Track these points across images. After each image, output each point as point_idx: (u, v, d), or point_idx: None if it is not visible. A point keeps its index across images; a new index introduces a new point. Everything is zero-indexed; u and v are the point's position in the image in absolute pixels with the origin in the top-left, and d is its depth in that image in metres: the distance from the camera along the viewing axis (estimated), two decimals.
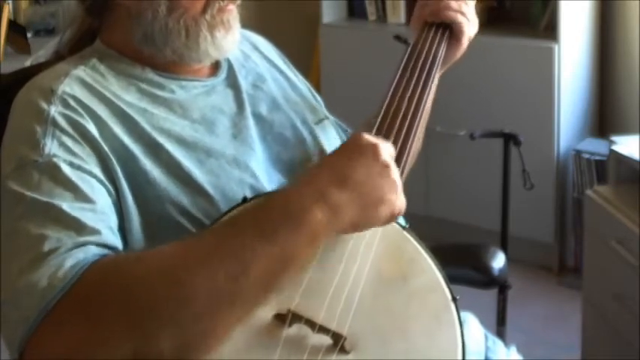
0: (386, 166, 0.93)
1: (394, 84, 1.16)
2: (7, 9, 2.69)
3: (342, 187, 0.90)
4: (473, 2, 1.30)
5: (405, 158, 1.06)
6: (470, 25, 1.27)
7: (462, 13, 1.26)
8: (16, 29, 2.75)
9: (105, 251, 0.92)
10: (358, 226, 0.93)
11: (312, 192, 0.89)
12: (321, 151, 1.20)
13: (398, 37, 1.30)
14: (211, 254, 0.86)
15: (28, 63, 2.45)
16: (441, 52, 1.24)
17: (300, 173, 0.96)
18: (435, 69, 1.20)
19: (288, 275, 0.89)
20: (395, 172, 0.94)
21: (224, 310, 0.85)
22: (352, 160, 0.92)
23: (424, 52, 1.22)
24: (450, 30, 1.27)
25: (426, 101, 1.15)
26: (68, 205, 0.94)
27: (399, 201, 0.94)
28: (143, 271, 0.86)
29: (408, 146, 1.07)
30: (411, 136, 1.08)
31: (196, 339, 0.85)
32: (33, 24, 3.01)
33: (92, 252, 0.90)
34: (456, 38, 1.28)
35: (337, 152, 0.95)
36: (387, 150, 0.95)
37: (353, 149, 0.94)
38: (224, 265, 0.85)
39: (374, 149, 0.93)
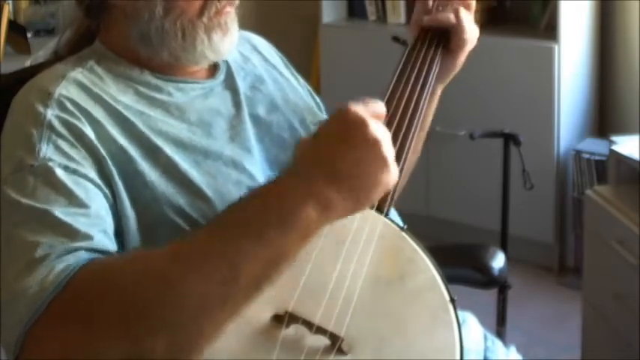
0: (375, 143, 0.88)
1: (389, 91, 1.15)
2: (7, 9, 2.69)
3: (333, 184, 0.87)
4: (472, 10, 1.28)
5: (401, 163, 1.05)
6: (467, 32, 1.25)
7: (459, 19, 1.25)
8: (16, 29, 2.75)
9: (96, 256, 0.92)
10: (351, 213, 0.91)
11: (302, 191, 0.87)
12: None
13: (396, 39, 1.29)
14: (202, 256, 0.86)
15: (28, 63, 2.46)
16: (436, 60, 1.22)
17: (289, 165, 0.91)
18: (430, 78, 1.19)
19: (280, 273, 0.88)
20: (386, 147, 0.89)
21: (215, 311, 0.85)
22: (340, 145, 0.88)
23: (420, 59, 1.21)
24: (446, 38, 1.26)
25: (423, 107, 1.14)
26: (61, 211, 0.94)
27: (391, 176, 0.90)
28: (133, 272, 0.86)
29: (404, 153, 1.07)
30: (407, 143, 1.07)
31: (188, 340, 0.84)
32: (33, 24, 3.02)
33: (82, 257, 0.91)
34: (453, 45, 1.26)
35: (324, 136, 0.90)
36: (374, 123, 0.89)
37: (340, 131, 0.89)
38: (215, 267, 0.85)
39: (361, 125, 0.88)
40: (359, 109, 0.89)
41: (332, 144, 0.89)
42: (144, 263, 0.87)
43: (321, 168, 0.88)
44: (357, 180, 0.88)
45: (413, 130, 1.11)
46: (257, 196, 0.90)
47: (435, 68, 1.22)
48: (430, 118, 1.32)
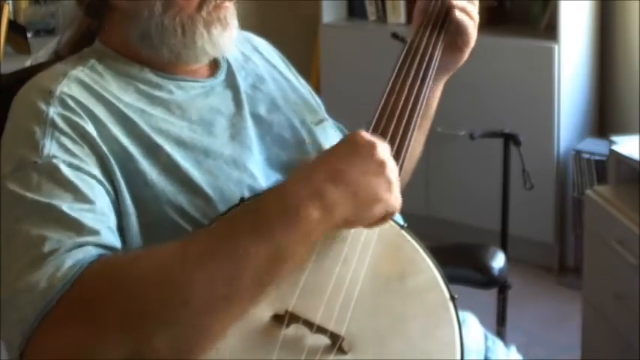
0: (382, 165, 0.92)
1: (390, 83, 1.15)
2: (7, 9, 2.69)
3: (336, 185, 0.90)
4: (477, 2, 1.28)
5: (401, 158, 1.05)
6: (471, 22, 1.25)
7: (467, 12, 1.24)
8: (16, 29, 2.75)
9: (104, 252, 0.92)
10: (352, 223, 0.93)
11: (306, 189, 0.89)
12: (320, 151, 1.19)
13: (395, 35, 1.29)
14: (207, 255, 0.86)
15: (28, 63, 2.45)
16: (438, 50, 1.22)
17: (296, 169, 0.95)
18: (431, 67, 1.19)
19: (283, 273, 0.89)
20: (391, 171, 0.93)
21: (220, 310, 0.86)
22: (348, 157, 0.92)
23: (420, 50, 1.21)
24: (450, 31, 1.26)
25: (423, 100, 1.14)
26: (68, 206, 0.94)
27: (394, 200, 0.93)
28: (140, 271, 0.87)
29: (405, 147, 1.07)
30: (408, 136, 1.08)
31: (192, 339, 0.85)
32: (33, 24, 3.02)
33: (90, 253, 0.91)
34: (459, 40, 1.25)
35: (333, 150, 0.95)
36: (383, 148, 0.94)
37: (349, 147, 0.93)
38: (220, 266, 0.86)
39: (370, 147, 0.93)
40: (369, 135, 0.94)
41: (339, 154, 0.93)
42: (149, 262, 0.88)
43: (326, 170, 0.91)
44: (360, 189, 0.91)
45: (413, 122, 1.10)
46: (261, 196, 0.92)
47: (436, 60, 1.21)
48: (434, 107, 1.32)
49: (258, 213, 0.89)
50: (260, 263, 0.86)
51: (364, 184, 0.91)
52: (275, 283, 0.90)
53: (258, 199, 0.92)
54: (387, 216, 0.94)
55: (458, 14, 1.23)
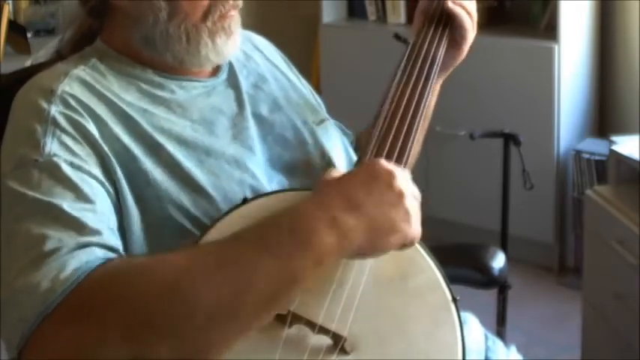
0: (400, 195, 0.91)
1: (394, 84, 1.15)
2: (7, 9, 2.69)
3: (353, 214, 0.88)
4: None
5: (404, 158, 1.05)
6: (471, 19, 1.25)
7: (463, 6, 1.24)
8: (16, 29, 2.75)
9: (108, 254, 0.92)
10: (367, 252, 0.91)
11: (322, 215, 0.87)
12: (322, 151, 1.19)
13: (397, 36, 1.29)
14: (215, 268, 0.85)
15: (28, 63, 2.45)
16: (441, 50, 1.22)
17: (312, 192, 0.93)
18: (435, 68, 1.19)
19: (290, 296, 0.88)
20: (410, 201, 0.91)
21: (224, 324, 0.84)
22: (366, 186, 0.90)
23: (424, 50, 1.20)
24: (450, 28, 1.26)
25: (426, 101, 1.14)
26: (69, 205, 0.93)
27: (412, 230, 0.91)
28: (146, 281, 0.85)
29: (408, 147, 1.06)
30: (411, 137, 1.07)
31: (195, 351, 0.84)
32: (33, 24, 3.01)
33: (95, 254, 0.90)
34: (457, 36, 1.25)
35: (352, 176, 0.93)
36: (402, 178, 0.92)
37: (368, 175, 0.92)
38: (228, 280, 0.84)
39: (389, 177, 0.91)
40: (389, 163, 0.93)
41: (357, 183, 0.91)
42: (156, 271, 0.86)
43: (343, 197, 0.89)
44: (376, 219, 0.89)
45: (417, 122, 1.10)
46: (275, 215, 0.90)
47: (440, 59, 1.21)
48: (433, 106, 1.32)
49: (270, 233, 0.87)
50: (268, 281, 0.85)
51: (381, 215, 0.89)
52: (284, 307, 0.89)
53: (271, 218, 0.89)
54: (403, 246, 0.92)
55: (451, 6, 1.23)
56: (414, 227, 0.91)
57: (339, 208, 0.88)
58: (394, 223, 0.90)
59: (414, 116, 1.10)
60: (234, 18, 1.13)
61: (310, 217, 0.87)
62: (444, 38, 1.23)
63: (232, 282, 0.84)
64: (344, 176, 0.94)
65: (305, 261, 0.86)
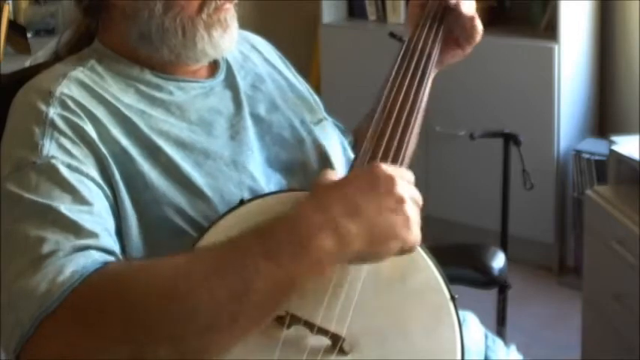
0: (400, 201, 0.90)
1: (390, 81, 1.15)
2: (7, 9, 2.69)
3: (352, 219, 0.87)
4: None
5: (402, 156, 1.05)
6: (467, 4, 1.23)
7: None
8: (16, 29, 2.75)
9: (106, 257, 0.91)
10: (366, 258, 0.91)
11: (321, 219, 0.87)
12: (320, 151, 1.19)
13: (392, 35, 1.29)
14: (214, 272, 0.85)
15: (28, 63, 2.45)
16: (436, 46, 1.22)
17: (310, 195, 0.92)
18: (430, 64, 1.18)
19: (289, 299, 0.87)
20: (409, 207, 0.90)
21: (223, 328, 0.84)
22: (365, 191, 0.89)
23: (419, 47, 1.20)
24: (449, 28, 1.25)
25: (422, 98, 1.14)
26: (66, 208, 0.93)
27: (411, 236, 0.90)
28: (144, 285, 0.85)
29: (405, 144, 1.06)
30: (408, 133, 1.07)
31: (194, 354, 0.84)
32: (33, 24, 3.02)
33: (93, 257, 0.90)
34: (455, 31, 1.25)
35: (351, 180, 0.93)
36: (403, 182, 0.92)
37: (368, 180, 0.91)
38: (226, 283, 0.84)
39: (389, 182, 0.90)
40: (390, 167, 0.92)
41: (357, 187, 0.90)
42: (155, 275, 0.86)
43: (343, 202, 0.88)
44: (376, 225, 0.88)
45: (413, 119, 1.10)
46: (273, 219, 0.89)
47: (435, 56, 1.20)
48: (425, 101, 1.32)
49: (269, 237, 0.86)
50: (267, 285, 0.84)
51: (381, 221, 0.88)
52: (279, 310, 0.88)
53: (270, 222, 0.88)
54: (402, 252, 0.91)
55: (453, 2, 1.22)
56: (414, 233, 0.91)
57: (338, 213, 0.87)
58: (394, 229, 0.89)
59: (410, 113, 1.10)
60: (230, 11, 1.13)
61: (309, 221, 0.87)
62: (440, 34, 1.23)
63: (231, 286, 0.84)
64: (343, 180, 0.93)
65: (303, 265, 0.85)
